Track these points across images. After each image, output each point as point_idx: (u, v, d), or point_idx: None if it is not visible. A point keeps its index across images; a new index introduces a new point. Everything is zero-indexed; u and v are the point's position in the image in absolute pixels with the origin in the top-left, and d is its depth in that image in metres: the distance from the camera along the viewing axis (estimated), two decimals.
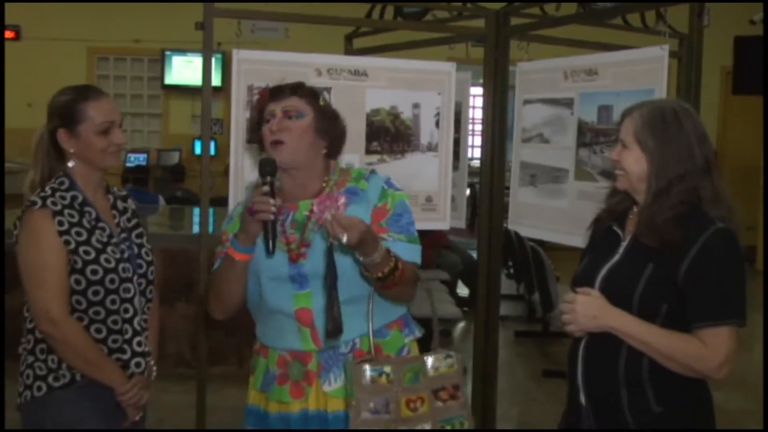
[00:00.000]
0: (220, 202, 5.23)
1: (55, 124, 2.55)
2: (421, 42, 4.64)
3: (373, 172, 2.58)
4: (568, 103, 3.86)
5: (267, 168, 2.36)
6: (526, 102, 4.13)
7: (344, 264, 2.37)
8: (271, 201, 2.30)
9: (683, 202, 2.22)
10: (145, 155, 12.68)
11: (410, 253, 2.47)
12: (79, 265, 2.47)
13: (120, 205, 2.70)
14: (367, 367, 2.37)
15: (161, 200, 9.38)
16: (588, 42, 4.41)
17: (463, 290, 8.58)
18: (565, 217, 3.89)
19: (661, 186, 2.24)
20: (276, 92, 2.52)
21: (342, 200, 2.46)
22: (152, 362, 2.69)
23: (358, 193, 2.49)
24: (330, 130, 2.52)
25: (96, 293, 2.50)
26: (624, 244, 2.33)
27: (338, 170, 2.56)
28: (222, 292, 2.50)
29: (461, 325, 7.74)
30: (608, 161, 2.43)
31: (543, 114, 4.02)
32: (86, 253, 2.48)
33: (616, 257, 2.32)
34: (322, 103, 2.52)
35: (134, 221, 2.72)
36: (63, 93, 2.59)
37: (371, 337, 2.44)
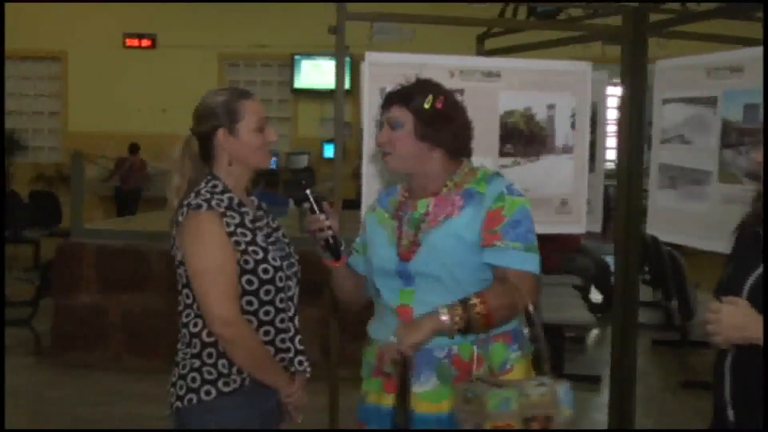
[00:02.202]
0: (349, 204, 5.28)
1: (211, 125, 2.55)
2: (555, 41, 4.59)
3: (497, 174, 2.56)
4: (710, 102, 3.73)
5: (303, 182, 2.62)
6: (665, 101, 4.02)
7: (452, 269, 2.43)
8: (321, 217, 2.52)
9: None
10: (275, 159, 12.96)
11: (525, 262, 2.44)
12: (251, 264, 2.48)
13: (262, 206, 2.72)
14: (465, 387, 2.36)
15: (291, 203, 9.58)
16: (731, 37, 4.25)
17: (595, 295, 8.44)
18: (706, 222, 3.76)
19: None
20: (385, 101, 2.57)
21: (458, 203, 2.49)
22: (307, 362, 2.67)
23: (474, 196, 2.48)
24: (437, 132, 2.49)
25: (267, 292, 2.51)
26: None
27: (465, 171, 2.55)
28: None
29: (595, 332, 7.62)
30: (754, 163, 2.32)
31: (683, 114, 3.90)
32: (255, 252, 2.49)
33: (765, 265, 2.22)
34: (426, 105, 2.48)
35: (275, 223, 2.74)
36: (216, 94, 2.59)
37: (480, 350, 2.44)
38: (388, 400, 2.53)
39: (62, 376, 6.18)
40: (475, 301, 2.33)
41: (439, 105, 2.50)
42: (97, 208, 13.55)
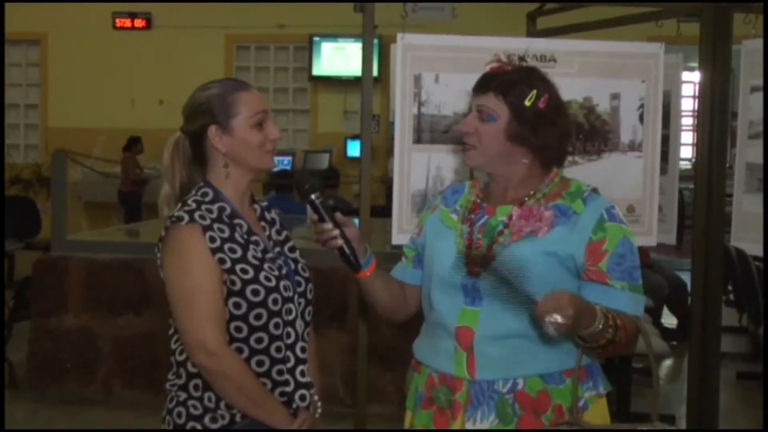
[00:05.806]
0: (378, 212, 5.27)
1: (202, 122, 2.58)
2: (621, 19, 4.58)
3: (594, 191, 2.54)
4: None
5: (306, 187, 2.54)
6: (754, 89, 4.02)
7: (535, 290, 2.35)
8: (327, 226, 2.50)
9: None
10: (290, 158, 12.97)
11: (633, 304, 2.46)
12: (238, 285, 2.50)
13: (267, 215, 2.75)
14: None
15: (309, 210, 9.59)
16: None
17: (669, 319, 8.41)
18: None
19: None
20: (479, 84, 2.53)
21: (547, 217, 2.47)
22: (316, 396, 2.71)
23: (569, 215, 2.47)
24: (532, 136, 2.47)
25: (258, 317, 2.52)
26: None
27: (555, 181, 2.55)
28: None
29: (668, 362, 7.58)
30: None
31: None
32: (244, 271, 2.51)
33: None
34: (527, 102, 2.45)
35: (284, 234, 2.77)
36: (206, 88, 2.63)
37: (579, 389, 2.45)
38: None
39: (48, 412, 6.17)
40: (620, 323, 2.33)
41: (541, 104, 2.47)
42: (83, 216, 13.65)
